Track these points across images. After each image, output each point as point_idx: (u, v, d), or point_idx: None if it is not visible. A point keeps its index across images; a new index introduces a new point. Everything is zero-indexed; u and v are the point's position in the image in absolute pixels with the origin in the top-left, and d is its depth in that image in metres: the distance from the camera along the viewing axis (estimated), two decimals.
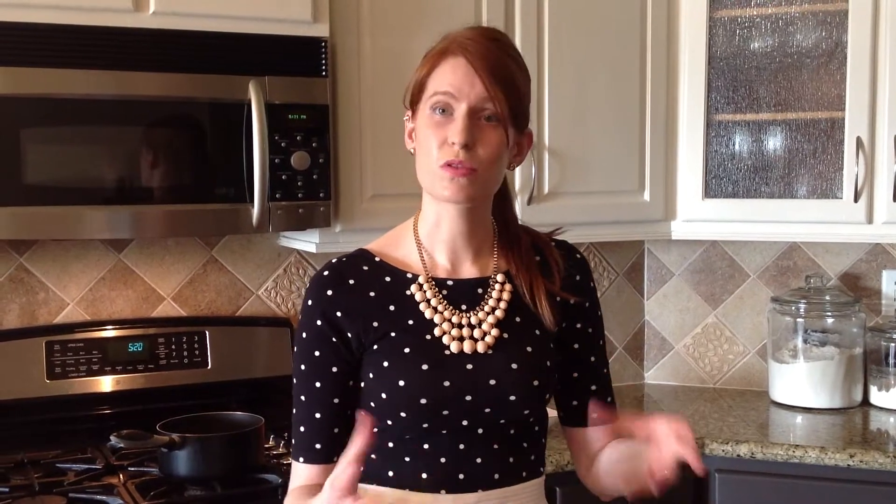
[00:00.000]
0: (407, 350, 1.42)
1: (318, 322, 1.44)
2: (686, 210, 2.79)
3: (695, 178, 2.77)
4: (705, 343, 3.12)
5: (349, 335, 1.43)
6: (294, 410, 1.48)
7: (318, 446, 1.46)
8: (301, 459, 1.47)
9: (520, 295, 1.49)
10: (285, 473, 2.14)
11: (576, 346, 1.55)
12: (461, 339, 1.44)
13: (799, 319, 2.84)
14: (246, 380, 2.54)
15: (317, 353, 1.44)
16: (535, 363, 1.46)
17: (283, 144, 2.24)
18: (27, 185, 2.04)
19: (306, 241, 2.46)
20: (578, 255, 1.59)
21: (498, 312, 1.47)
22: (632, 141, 2.74)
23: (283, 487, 2.07)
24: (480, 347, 1.44)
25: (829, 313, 2.83)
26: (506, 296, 1.48)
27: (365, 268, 1.48)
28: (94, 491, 2.06)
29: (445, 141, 1.39)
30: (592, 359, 1.57)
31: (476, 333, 1.45)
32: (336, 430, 1.46)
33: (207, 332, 2.51)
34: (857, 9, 2.60)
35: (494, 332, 1.45)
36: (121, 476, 2.14)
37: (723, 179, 2.79)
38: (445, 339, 1.43)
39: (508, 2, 2.55)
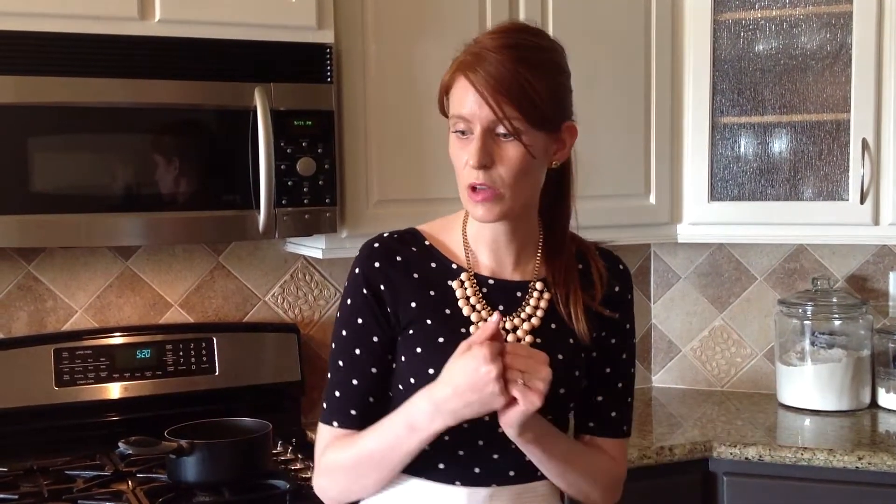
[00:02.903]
0: (441, 340, 1.43)
1: (364, 290, 1.46)
2: (692, 213, 2.79)
3: (700, 180, 2.77)
4: (712, 346, 3.12)
5: (389, 310, 1.46)
6: (329, 375, 1.50)
7: (353, 412, 1.47)
8: (335, 423, 1.48)
9: (556, 302, 1.49)
10: (294, 479, 2.15)
11: (594, 353, 1.53)
12: None
13: (806, 322, 2.83)
14: (253, 386, 2.54)
15: (360, 321, 1.46)
16: (564, 372, 1.46)
17: (288, 151, 2.24)
18: (35, 194, 2.05)
19: (313, 247, 2.47)
20: (622, 267, 1.59)
21: (534, 320, 1.48)
22: (637, 144, 2.74)
23: (292, 493, 2.09)
24: None
25: (837, 315, 2.83)
26: (543, 304, 1.49)
27: (414, 248, 1.50)
28: (102, 498, 2.07)
29: (466, 162, 1.40)
30: (608, 370, 1.55)
31: (510, 338, 1.46)
32: (371, 400, 1.46)
33: (215, 339, 2.52)
34: (861, 10, 2.60)
35: (528, 339, 1.46)
36: (129, 483, 2.15)
37: (728, 182, 2.79)
38: None
39: (512, 8, 2.56)
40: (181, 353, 2.47)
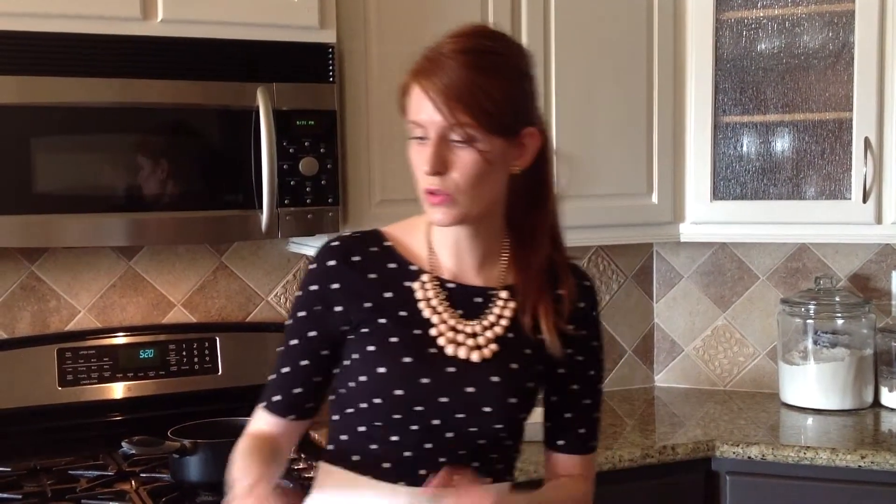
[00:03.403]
0: (394, 339, 1.44)
1: (312, 287, 1.48)
2: (694, 212, 2.79)
3: (703, 180, 2.77)
4: (715, 345, 3.12)
5: (337, 308, 1.46)
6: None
7: (277, 398, 1.50)
8: (262, 405, 1.53)
9: (520, 312, 1.48)
10: (298, 478, 2.15)
11: (560, 370, 1.52)
12: (458, 343, 1.44)
13: (809, 321, 2.83)
14: (256, 385, 2.50)
15: (300, 314, 1.48)
16: (517, 382, 1.46)
17: (291, 150, 2.25)
18: (38, 194, 2.05)
19: (315, 247, 2.46)
20: (587, 283, 1.56)
21: (497, 328, 1.47)
22: (639, 143, 2.74)
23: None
24: (475, 357, 1.44)
25: (839, 315, 2.83)
26: (507, 312, 1.48)
27: (373, 249, 1.49)
28: (105, 497, 2.07)
29: (421, 167, 1.40)
30: (575, 387, 1.54)
31: (470, 342, 1.45)
32: (296, 391, 1.49)
33: (218, 339, 2.52)
34: (863, 9, 2.60)
35: (493, 346, 1.45)
36: (133, 482, 2.15)
37: (731, 181, 2.79)
38: (441, 341, 1.44)
39: (515, 6, 2.56)
40: (184, 353, 2.47)
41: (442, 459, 1.43)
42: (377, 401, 1.43)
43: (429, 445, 1.44)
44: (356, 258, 1.48)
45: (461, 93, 1.35)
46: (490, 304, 1.48)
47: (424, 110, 1.38)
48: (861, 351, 2.81)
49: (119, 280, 2.52)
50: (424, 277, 1.47)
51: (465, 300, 1.48)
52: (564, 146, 2.63)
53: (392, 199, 2.44)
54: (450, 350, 1.44)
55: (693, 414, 2.82)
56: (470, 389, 1.43)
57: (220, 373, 2.50)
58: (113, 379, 2.41)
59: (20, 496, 2.07)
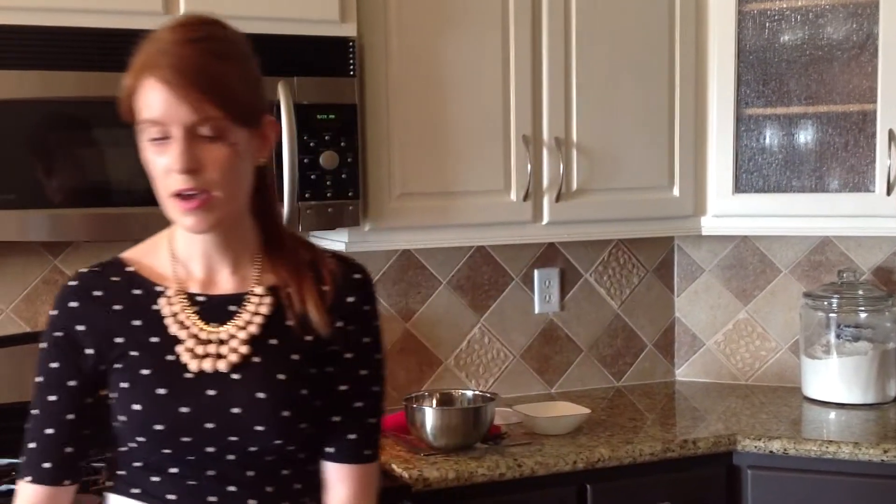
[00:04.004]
0: (144, 372, 1.33)
1: (58, 334, 1.37)
2: (716, 205, 2.78)
3: (725, 172, 2.75)
4: (737, 339, 3.10)
5: (88, 351, 1.36)
6: (27, 425, 1.39)
7: (46, 465, 1.37)
8: (28, 479, 1.38)
9: (282, 312, 1.36)
10: None
11: (328, 369, 1.39)
12: (204, 356, 1.33)
13: (832, 315, 2.81)
14: None
15: (53, 366, 1.37)
16: (287, 393, 1.34)
17: (311, 144, 2.25)
18: (61, 188, 2.06)
19: (336, 241, 2.47)
20: (359, 276, 1.43)
21: (251, 328, 1.35)
22: (661, 136, 2.72)
23: None
24: (222, 366, 1.33)
25: (862, 308, 2.80)
26: (263, 310, 1.36)
27: (115, 279, 1.38)
28: None
29: (169, 168, 1.27)
30: (344, 387, 1.40)
31: (223, 350, 1.33)
32: (68, 451, 1.37)
33: None
34: (887, 0, 2.57)
35: (244, 349, 1.34)
36: None
37: (753, 174, 2.77)
38: (185, 358, 1.33)
39: None
40: None
41: (231, 487, 1.34)
42: (141, 439, 1.33)
43: (211, 472, 1.33)
44: (98, 293, 1.37)
45: (203, 83, 1.25)
46: (244, 307, 1.36)
47: (163, 107, 1.25)
48: (884, 345, 2.78)
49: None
50: (170, 293, 1.36)
51: (220, 311, 1.36)
52: (585, 139, 2.63)
53: (412, 193, 2.44)
54: (194, 365, 1.32)
55: (714, 408, 2.81)
56: (236, 410, 1.32)
57: None
58: None
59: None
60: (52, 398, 1.37)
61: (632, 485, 2.40)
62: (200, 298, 1.37)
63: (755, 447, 2.47)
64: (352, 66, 2.30)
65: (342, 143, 2.28)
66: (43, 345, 1.39)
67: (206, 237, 1.35)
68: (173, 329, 1.34)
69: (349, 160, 2.29)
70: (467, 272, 2.87)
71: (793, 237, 2.98)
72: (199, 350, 1.34)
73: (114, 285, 1.38)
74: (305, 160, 2.24)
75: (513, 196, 2.56)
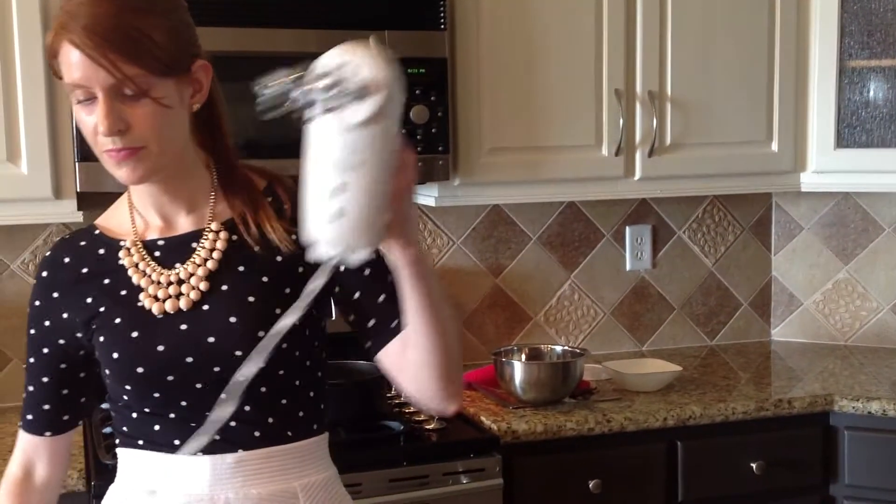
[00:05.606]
0: (118, 321, 1.36)
1: (36, 303, 1.43)
2: (817, 161, 2.70)
3: (826, 127, 2.67)
4: (836, 299, 3.02)
5: (65, 315, 1.40)
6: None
7: (29, 417, 1.47)
8: (20, 424, 1.49)
9: (243, 241, 1.36)
10: (408, 420, 2.20)
11: (337, 289, 1.39)
12: (165, 299, 1.35)
13: None
14: None
15: (31, 332, 1.44)
16: (261, 313, 1.33)
17: None
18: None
19: (426, 195, 2.48)
20: None
21: (210, 264, 1.36)
22: (759, 89, 2.65)
23: (406, 434, 2.13)
24: (183, 304, 1.34)
25: None
26: (220, 245, 1.37)
27: (82, 243, 1.42)
28: None
29: (98, 129, 1.26)
30: (357, 294, 1.39)
31: (184, 289, 1.35)
32: (46, 408, 1.45)
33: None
34: None
35: (203, 285, 1.35)
36: None
37: (856, 128, 2.68)
38: (147, 303, 1.35)
39: None
40: None
41: (231, 422, 1.31)
42: (128, 387, 1.36)
43: (209, 412, 1.30)
44: (67, 259, 1.42)
45: (120, 42, 1.22)
46: (202, 244, 1.37)
47: (81, 70, 1.23)
48: None
49: None
50: (127, 243, 1.39)
51: (180, 251, 1.38)
52: (680, 92, 2.58)
53: (503, 148, 2.44)
54: (156, 308, 1.34)
55: (811, 368, 2.75)
56: (211, 339, 1.33)
57: (333, 317, 2.54)
58: None
59: None
60: (31, 360, 1.46)
61: (724, 443, 2.38)
62: (160, 243, 1.39)
63: (853, 408, 2.41)
64: (443, 20, 2.29)
65: (432, 98, 2.29)
66: (28, 310, 1.45)
67: (152, 185, 1.36)
68: (135, 278, 1.37)
69: (439, 114, 2.30)
70: (557, 228, 2.85)
71: None
72: (161, 294, 1.35)
73: (81, 249, 1.42)
74: None
75: (604, 151, 2.53)
